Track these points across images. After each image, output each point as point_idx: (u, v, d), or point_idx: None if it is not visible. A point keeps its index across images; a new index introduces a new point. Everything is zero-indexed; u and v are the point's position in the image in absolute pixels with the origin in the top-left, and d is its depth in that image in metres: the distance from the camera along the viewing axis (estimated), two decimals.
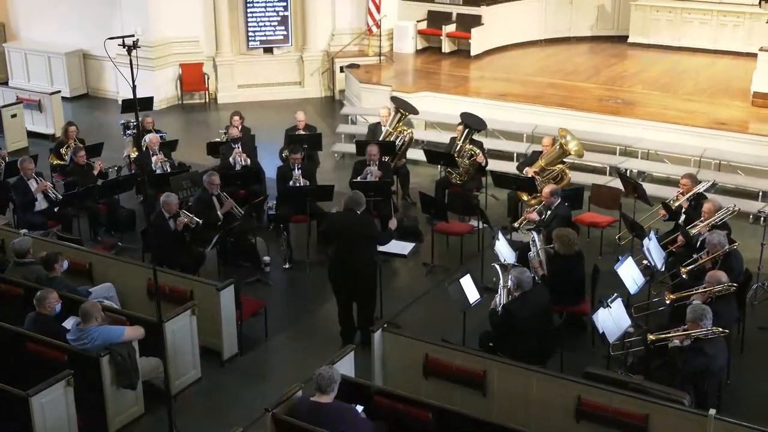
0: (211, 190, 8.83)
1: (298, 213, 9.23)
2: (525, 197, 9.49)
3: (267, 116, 13.58)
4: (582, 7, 15.88)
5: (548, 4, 15.73)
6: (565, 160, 9.68)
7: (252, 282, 8.60)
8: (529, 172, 9.59)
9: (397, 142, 10.50)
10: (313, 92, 15.15)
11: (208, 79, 14.82)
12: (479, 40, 14.85)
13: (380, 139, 10.45)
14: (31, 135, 12.98)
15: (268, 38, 14.91)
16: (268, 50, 15.06)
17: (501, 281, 6.87)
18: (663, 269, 7.83)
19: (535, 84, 13.26)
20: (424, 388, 6.32)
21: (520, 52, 15.37)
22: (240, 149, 10.07)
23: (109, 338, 6.26)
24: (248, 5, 14.68)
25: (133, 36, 5.64)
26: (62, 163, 10.59)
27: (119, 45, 5.62)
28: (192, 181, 9.46)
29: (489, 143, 11.25)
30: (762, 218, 9.52)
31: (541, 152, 9.76)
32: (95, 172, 10.03)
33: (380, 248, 7.69)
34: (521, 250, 7.87)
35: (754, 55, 12.34)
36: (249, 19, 14.74)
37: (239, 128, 10.57)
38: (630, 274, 7.34)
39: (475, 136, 10.24)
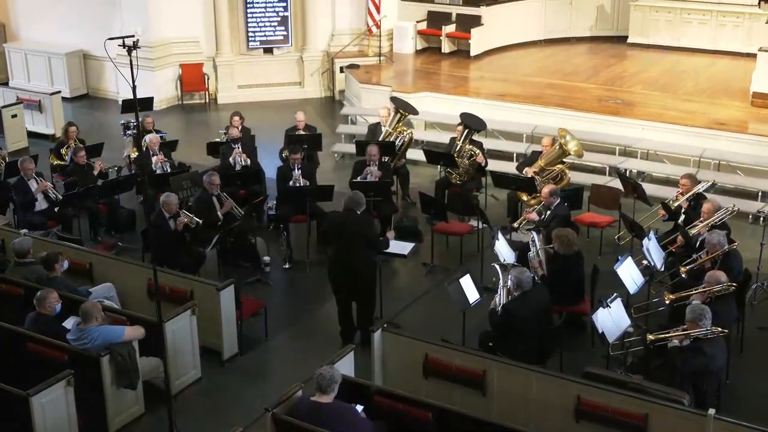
0: (211, 191, 8.84)
1: (298, 213, 9.24)
2: (525, 197, 9.50)
3: (267, 116, 13.59)
4: (581, 7, 15.89)
5: (548, 4, 15.74)
6: (564, 160, 9.69)
7: (252, 282, 8.60)
8: (528, 172, 9.60)
9: (396, 142, 10.51)
10: (313, 92, 15.17)
11: (208, 79, 14.83)
12: (479, 41, 14.86)
13: (380, 139, 10.46)
14: (32, 135, 12.99)
15: (268, 38, 14.92)
16: (268, 50, 15.07)
17: (501, 281, 6.88)
18: (662, 269, 7.84)
19: (535, 84, 13.27)
20: (424, 387, 6.33)
21: (519, 52, 15.38)
22: (240, 149, 10.08)
23: (109, 338, 6.27)
24: (248, 6, 14.69)
25: (133, 36, 5.65)
26: (62, 163, 10.60)
27: (119, 45, 5.62)
28: (192, 182, 9.48)
29: (489, 143, 11.26)
30: (761, 218, 9.53)
31: (541, 152, 9.77)
32: (95, 173, 10.04)
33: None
34: (521, 250, 7.88)
35: (754, 56, 12.35)
36: (249, 20, 14.75)
37: (239, 128, 10.58)
38: (629, 274, 7.35)
39: (475, 137, 10.25)
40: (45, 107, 13.13)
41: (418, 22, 15.39)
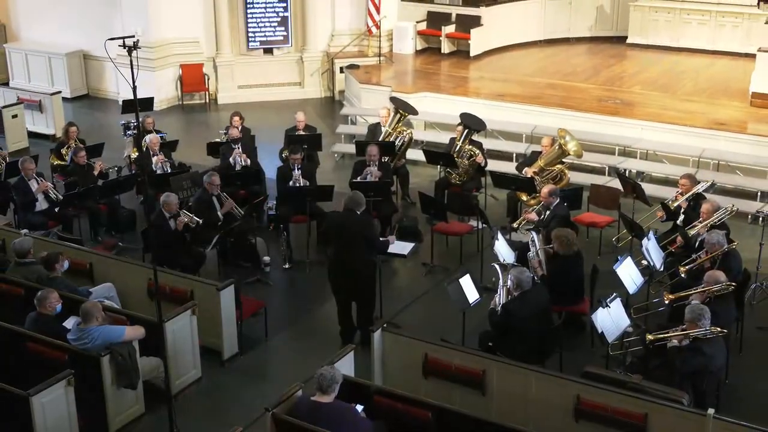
0: (211, 191, 8.85)
1: (298, 213, 9.25)
2: (524, 197, 9.51)
3: (267, 117, 13.60)
4: (581, 7, 15.91)
5: (547, 4, 15.75)
6: (564, 160, 9.70)
7: (252, 282, 8.61)
8: (528, 172, 9.61)
9: (396, 142, 10.53)
10: (313, 93, 15.18)
11: (208, 79, 14.84)
12: (478, 41, 14.87)
13: (380, 139, 10.47)
14: (32, 135, 13.00)
15: (268, 39, 14.93)
16: (268, 51, 15.09)
17: (500, 281, 6.89)
18: (662, 269, 7.85)
19: (535, 84, 13.28)
20: (424, 387, 6.34)
21: (519, 52, 15.39)
22: (240, 149, 10.09)
23: (109, 338, 6.28)
24: (248, 6, 14.71)
25: (133, 37, 5.66)
26: (63, 163, 10.61)
27: (120, 46, 5.64)
28: (192, 182, 9.49)
29: (488, 143, 11.27)
30: (760, 218, 9.55)
31: (541, 152, 9.78)
32: (95, 173, 10.05)
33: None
34: (520, 250, 7.89)
35: (753, 56, 12.37)
36: (249, 20, 14.76)
37: (239, 129, 10.58)
38: (629, 274, 7.36)
39: (475, 137, 10.26)
40: (45, 107, 13.15)
41: (417, 22, 15.40)
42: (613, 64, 14.49)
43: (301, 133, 10.84)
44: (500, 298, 6.79)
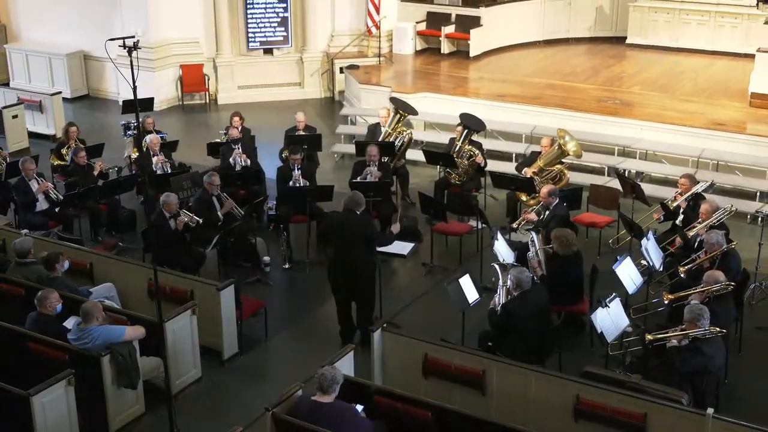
0: (211, 191, 8.86)
1: (298, 213, 9.26)
2: (524, 197, 9.53)
3: (267, 117, 13.61)
4: (580, 8, 15.92)
5: (547, 5, 15.76)
6: (563, 160, 9.71)
7: (252, 282, 8.62)
8: (527, 172, 9.62)
9: (396, 142, 10.54)
10: (313, 93, 15.19)
11: (208, 80, 14.86)
12: (478, 41, 14.89)
13: (380, 139, 10.48)
14: (32, 136, 13.01)
15: (268, 39, 14.94)
16: (268, 51, 15.10)
17: (500, 281, 6.90)
18: (661, 269, 7.86)
19: (534, 85, 13.29)
20: (424, 387, 6.35)
21: (518, 53, 15.41)
22: (240, 150, 10.10)
23: (109, 338, 6.29)
24: (248, 6, 14.72)
25: (133, 37, 5.67)
26: (63, 163, 10.63)
27: (120, 46, 5.65)
28: (192, 182, 9.50)
29: (488, 144, 11.29)
30: (759, 218, 9.56)
31: (540, 153, 9.80)
32: (95, 173, 10.07)
33: (379, 248, 7.72)
34: (520, 250, 7.90)
35: (752, 56, 12.38)
36: (249, 21, 14.77)
37: (239, 129, 10.60)
38: (628, 274, 7.37)
39: (474, 137, 10.27)
40: (46, 108, 13.16)
41: (417, 22, 15.41)
42: (612, 64, 14.51)
43: (301, 133, 10.86)
44: (500, 298, 6.80)
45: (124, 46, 5.57)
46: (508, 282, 6.71)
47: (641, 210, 9.32)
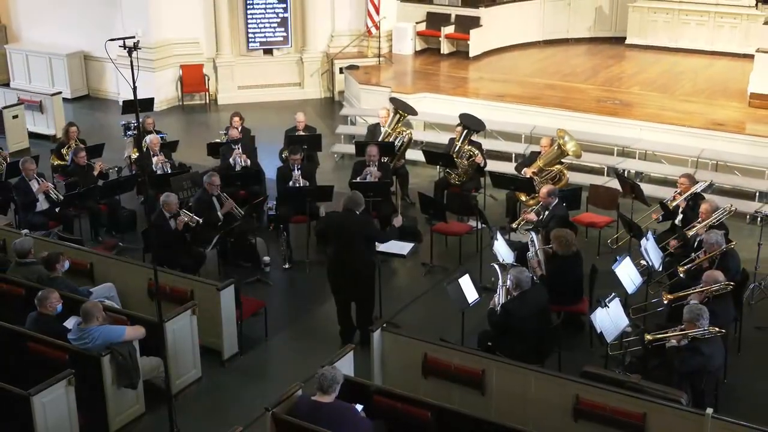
0: (211, 191, 8.87)
1: (298, 213, 9.27)
2: (523, 198, 9.54)
3: (267, 117, 13.62)
4: (580, 8, 15.94)
5: (546, 5, 15.78)
6: (563, 160, 9.72)
7: (252, 282, 8.63)
8: (527, 172, 9.63)
9: (396, 142, 10.54)
10: (313, 93, 15.20)
11: (208, 80, 14.87)
12: (478, 42, 14.90)
13: (379, 139, 10.49)
14: (32, 136, 13.02)
15: (268, 40, 14.95)
16: (268, 51, 15.11)
17: (500, 281, 6.91)
18: (660, 269, 7.87)
19: (534, 85, 13.31)
20: (423, 387, 6.35)
21: (518, 53, 15.42)
22: (240, 150, 10.11)
23: (109, 338, 6.29)
24: (248, 7, 14.73)
25: (133, 37, 5.67)
26: (63, 163, 10.64)
27: (120, 46, 5.65)
28: (192, 182, 9.51)
29: (487, 144, 11.30)
30: (759, 218, 9.57)
31: (540, 153, 9.81)
32: (95, 173, 10.08)
33: (379, 248, 7.73)
34: (519, 250, 7.91)
35: (751, 57, 12.41)
36: (249, 21, 14.78)
37: (239, 129, 10.61)
38: (628, 274, 7.38)
39: (474, 137, 10.28)
40: (46, 108, 13.16)
41: (417, 23, 15.43)
42: (611, 64, 14.52)
43: (301, 133, 10.87)
44: (499, 298, 6.81)
45: (125, 47, 5.58)
46: (508, 282, 6.72)
47: (640, 210, 9.33)
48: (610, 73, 14.02)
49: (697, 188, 8.48)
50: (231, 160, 10.05)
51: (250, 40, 14.88)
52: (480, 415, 5.56)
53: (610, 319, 6.58)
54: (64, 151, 10.75)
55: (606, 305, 6.57)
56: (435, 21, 15.42)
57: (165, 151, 10.34)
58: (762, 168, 10.60)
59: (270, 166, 10.46)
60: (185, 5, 14.44)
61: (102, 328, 6.30)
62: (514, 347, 6.54)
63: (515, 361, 6.18)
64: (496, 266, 7.15)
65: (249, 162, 10.12)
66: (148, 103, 11.98)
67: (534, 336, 6.65)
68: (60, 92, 13.80)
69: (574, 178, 10.27)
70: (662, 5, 15.22)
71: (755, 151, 10.78)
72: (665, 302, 6.98)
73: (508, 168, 10.72)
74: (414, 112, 11.12)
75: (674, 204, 8.47)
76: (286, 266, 9.10)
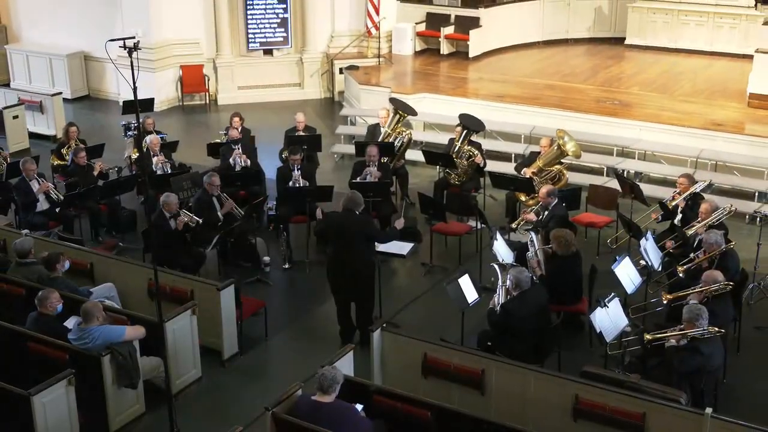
0: (211, 191, 8.88)
1: (298, 213, 9.28)
2: (523, 198, 9.55)
3: (267, 117, 13.63)
4: (579, 9, 15.95)
5: (546, 6, 15.79)
6: (562, 160, 9.74)
7: (252, 282, 8.64)
8: (527, 172, 9.64)
9: (396, 143, 10.56)
10: (313, 94, 15.22)
11: (208, 80, 14.88)
12: (477, 42, 14.91)
13: (379, 140, 10.51)
14: (33, 136, 13.02)
15: (268, 40, 14.97)
16: (268, 52, 15.12)
17: (499, 281, 6.92)
18: (660, 269, 7.88)
19: (533, 85, 13.32)
20: (423, 387, 6.36)
21: (518, 53, 15.43)
22: (240, 150, 10.12)
23: (110, 338, 6.30)
24: (248, 7, 14.74)
25: (133, 38, 5.68)
26: (63, 163, 10.65)
27: (120, 47, 5.66)
28: (192, 182, 9.52)
29: (487, 144, 11.31)
30: (758, 218, 9.58)
31: (539, 153, 9.82)
32: (95, 173, 10.09)
33: (379, 248, 7.74)
34: (519, 250, 7.92)
35: (750, 57, 12.42)
36: (249, 21, 14.79)
37: (239, 129, 10.61)
38: (627, 273, 7.40)
39: (474, 137, 10.29)
40: (46, 108, 13.17)
41: (416, 23, 15.44)
42: (611, 65, 14.53)
43: (301, 133, 10.88)
44: (499, 297, 6.82)
45: (125, 47, 5.59)
46: (508, 282, 6.73)
47: (640, 210, 9.34)
48: (610, 73, 14.03)
49: (696, 188, 8.50)
50: (231, 160, 10.06)
51: (250, 40, 14.89)
52: (480, 415, 5.56)
53: (609, 318, 6.59)
54: (64, 151, 10.76)
55: (605, 305, 6.58)
56: (435, 21, 15.43)
57: (165, 152, 10.34)
58: (761, 168, 10.61)
59: (270, 167, 10.47)
60: (185, 6, 14.45)
61: (102, 328, 6.31)
62: (513, 347, 6.55)
63: (515, 361, 6.19)
64: (496, 266, 7.16)
65: (249, 162, 10.13)
66: (148, 104, 12.00)
67: (533, 336, 6.66)
68: (60, 92, 13.81)
69: (574, 178, 10.28)
70: (662, 6, 15.24)
71: (754, 151, 10.79)
72: (664, 302, 6.99)
73: (507, 168, 10.73)
74: (414, 113, 11.13)
75: (673, 204, 8.48)
76: (286, 266, 9.11)
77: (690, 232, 7.90)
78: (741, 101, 12.14)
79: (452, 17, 15.33)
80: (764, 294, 8.16)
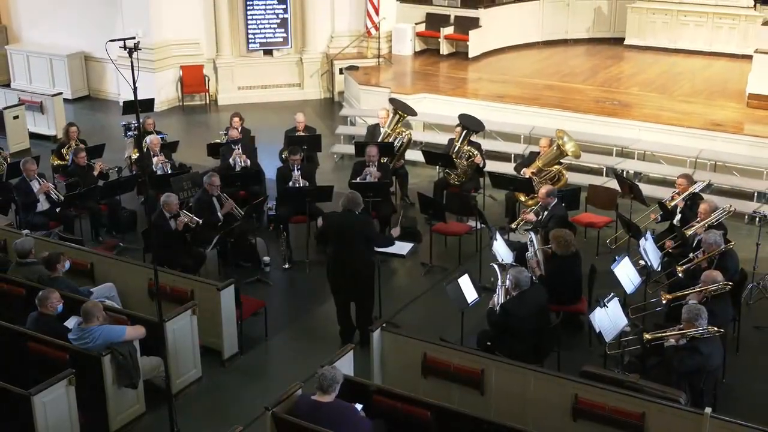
0: (211, 191, 8.89)
1: (298, 213, 9.29)
2: (522, 198, 9.56)
3: (267, 118, 13.64)
4: (579, 9, 15.96)
5: (545, 6, 15.81)
6: (562, 161, 9.75)
7: (252, 282, 8.65)
8: (526, 173, 9.66)
9: (395, 143, 10.57)
10: (313, 94, 15.23)
11: (208, 80, 14.89)
12: (477, 43, 14.92)
13: (379, 140, 10.52)
14: (33, 136, 13.03)
15: (268, 40, 14.98)
16: (268, 52, 15.13)
17: (499, 281, 6.93)
18: (659, 269, 7.89)
19: (533, 86, 13.33)
20: (423, 386, 6.37)
21: (517, 54, 15.44)
22: (240, 150, 10.13)
23: (110, 338, 6.31)
24: (248, 8, 14.75)
25: (134, 38, 5.69)
26: (63, 163, 10.66)
27: (120, 47, 5.68)
28: (192, 182, 9.53)
29: (487, 144, 11.32)
30: (757, 218, 9.58)
31: (539, 153, 9.83)
32: (95, 173, 10.10)
33: (378, 249, 7.75)
34: (519, 250, 7.93)
35: (750, 57, 12.43)
36: (249, 22, 14.80)
37: (239, 130, 10.63)
38: (626, 273, 7.41)
39: (473, 138, 10.31)
40: (46, 108, 13.18)
41: (416, 24, 15.45)
42: (610, 65, 14.55)
43: (301, 133, 10.89)
44: (499, 297, 6.83)
45: (125, 47, 5.60)
46: (507, 282, 6.74)
47: (639, 210, 9.35)
48: (609, 73, 14.04)
49: (695, 188, 8.51)
50: (231, 160, 10.07)
51: (250, 40, 14.90)
52: (479, 415, 5.57)
53: (608, 318, 6.60)
54: (64, 151, 10.76)
55: (605, 305, 6.59)
56: (434, 22, 15.44)
57: (165, 152, 10.36)
58: (760, 168, 10.62)
59: (270, 167, 10.48)
60: (185, 6, 14.46)
61: (102, 328, 6.32)
62: (513, 347, 6.56)
63: (514, 361, 6.20)
64: (496, 266, 7.17)
65: (249, 162, 10.14)
66: (148, 104, 12.01)
67: (533, 336, 6.67)
68: (60, 93, 13.82)
69: (573, 178, 10.29)
70: (661, 6, 15.25)
71: (754, 151, 10.81)
72: (664, 302, 7.00)
73: (507, 168, 10.74)
74: (413, 113, 11.14)
75: (673, 204, 8.49)
76: (286, 266, 9.11)
77: (689, 232, 7.91)
78: (740, 101, 12.15)
79: (452, 18, 15.34)
80: (763, 294, 8.17)
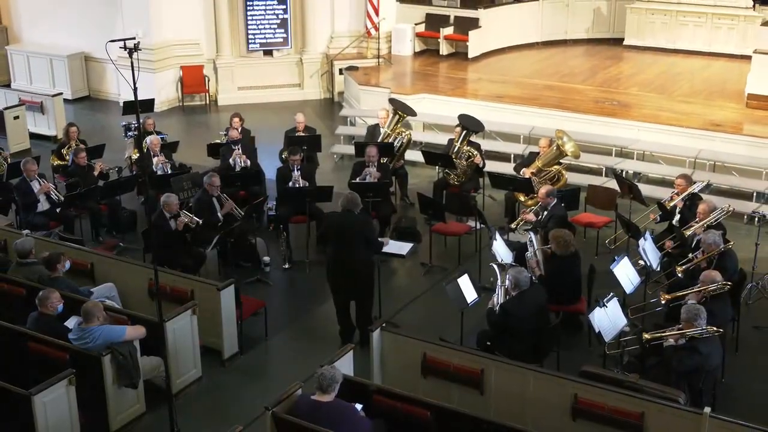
0: (211, 192, 8.90)
1: (298, 214, 9.31)
2: (522, 198, 9.57)
3: (267, 118, 13.65)
4: (578, 9, 15.98)
5: (545, 6, 15.82)
6: (561, 161, 9.76)
7: (252, 282, 8.66)
8: (526, 173, 9.67)
9: (395, 143, 10.58)
10: (313, 94, 15.24)
11: (208, 81, 14.90)
12: (477, 43, 14.94)
13: (379, 140, 10.53)
14: (33, 137, 13.04)
15: (268, 41, 14.99)
16: (268, 53, 15.14)
17: (498, 281, 6.94)
18: (658, 269, 7.91)
19: (532, 86, 13.34)
20: (423, 386, 6.38)
21: (517, 54, 15.46)
22: (240, 150, 10.14)
23: (110, 338, 6.32)
24: (248, 8, 14.76)
25: (134, 38, 5.70)
26: (63, 163, 10.67)
27: (121, 47, 5.69)
28: (192, 182, 9.54)
29: (486, 144, 11.34)
30: (756, 218, 9.61)
31: (538, 153, 9.84)
32: (96, 173, 10.11)
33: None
34: (518, 250, 7.93)
35: (749, 58, 12.45)
36: (249, 22, 14.81)
37: (239, 130, 10.64)
38: (626, 273, 7.42)
39: (473, 138, 10.32)
40: (47, 109, 13.19)
41: (416, 24, 15.47)
42: (610, 65, 14.56)
43: (301, 134, 10.90)
44: (498, 297, 6.84)
45: (125, 48, 5.61)
46: (507, 282, 6.75)
47: (639, 210, 9.37)
48: (608, 74, 14.05)
49: (695, 188, 8.53)
50: (231, 160, 10.08)
51: (250, 41, 14.91)
52: (479, 415, 5.58)
53: (608, 318, 6.61)
54: (64, 151, 10.77)
55: (604, 305, 6.60)
56: (434, 22, 15.45)
57: (165, 152, 10.36)
58: (759, 168, 10.63)
59: (270, 167, 10.49)
60: (185, 6, 14.47)
61: (102, 328, 6.32)
62: (512, 347, 6.57)
63: (514, 361, 6.21)
64: (495, 266, 7.18)
65: (249, 162, 10.15)
66: (148, 104, 12.02)
67: (532, 336, 6.68)
68: (61, 93, 13.83)
69: (573, 178, 10.31)
70: (660, 6, 15.26)
71: (753, 151, 10.82)
72: (663, 302, 7.01)
73: (506, 168, 10.76)
74: (413, 113, 11.16)
75: (672, 204, 8.51)
76: (286, 266, 9.12)
77: (688, 232, 7.93)
78: (739, 102, 12.17)
79: (451, 18, 15.36)
80: (762, 294, 8.18)
